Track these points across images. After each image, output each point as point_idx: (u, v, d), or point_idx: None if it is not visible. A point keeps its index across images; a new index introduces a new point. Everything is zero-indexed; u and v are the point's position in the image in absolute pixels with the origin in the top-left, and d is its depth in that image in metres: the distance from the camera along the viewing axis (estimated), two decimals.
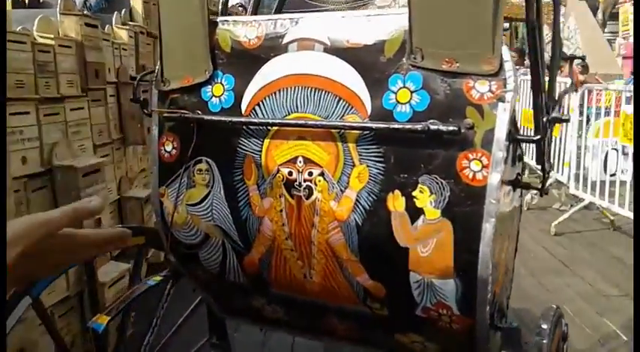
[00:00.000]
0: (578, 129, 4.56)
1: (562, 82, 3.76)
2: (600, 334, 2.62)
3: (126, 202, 2.65)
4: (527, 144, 2.12)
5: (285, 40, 1.04)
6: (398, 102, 0.95)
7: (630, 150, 4.00)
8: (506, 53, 0.87)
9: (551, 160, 4.58)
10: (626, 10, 9.44)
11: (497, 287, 1.01)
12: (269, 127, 1.05)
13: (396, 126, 0.93)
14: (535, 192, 1.12)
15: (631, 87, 4.32)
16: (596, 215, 4.53)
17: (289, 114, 1.04)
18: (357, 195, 0.99)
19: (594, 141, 4.59)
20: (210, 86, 1.11)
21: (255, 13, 1.56)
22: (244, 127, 1.07)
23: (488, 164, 0.88)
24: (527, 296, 2.85)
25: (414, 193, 0.94)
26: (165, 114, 1.14)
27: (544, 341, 1.06)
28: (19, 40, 1.90)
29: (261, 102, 1.06)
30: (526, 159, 3.03)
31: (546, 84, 1.09)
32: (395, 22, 0.96)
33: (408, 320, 1.04)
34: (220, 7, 1.32)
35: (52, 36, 2.12)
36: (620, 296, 3.00)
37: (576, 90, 4.30)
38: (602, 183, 4.20)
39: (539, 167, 1.13)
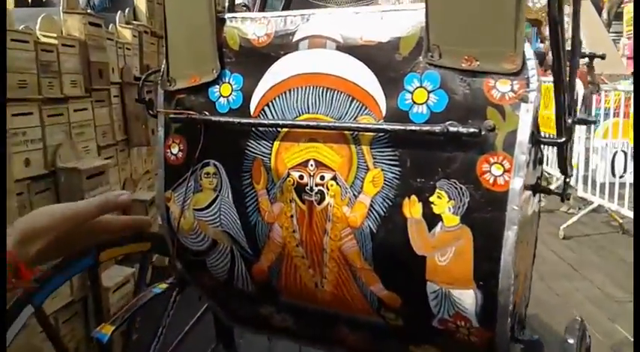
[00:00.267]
0: (586, 130, 4.51)
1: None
2: (613, 341, 2.57)
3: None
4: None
5: (296, 38, 1.00)
6: (414, 102, 0.90)
7: None
8: (529, 51, 0.82)
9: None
10: (630, 10, 9.37)
11: (517, 297, 0.97)
12: (279, 129, 1.01)
13: (413, 127, 0.89)
14: (543, 194, 1.07)
15: None
16: (605, 218, 4.49)
17: (300, 115, 1.00)
18: (372, 201, 0.95)
19: (602, 142, 4.54)
20: (217, 86, 1.07)
21: (262, 10, 1.52)
22: (253, 129, 1.03)
23: (510, 168, 0.84)
24: (537, 301, 2.80)
25: (431, 199, 0.90)
26: (172, 116, 1.10)
27: None
28: (22, 39, 1.87)
29: (270, 103, 1.02)
30: None
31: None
32: (411, 18, 0.91)
33: (423, 331, 1.00)
34: (227, 3, 1.28)
35: (55, 35, 2.09)
36: (631, 302, 2.95)
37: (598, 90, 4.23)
38: (612, 185, 4.15)
39: (548, 171, 1.09)
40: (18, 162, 1.84)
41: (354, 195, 0.96)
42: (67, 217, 0.64)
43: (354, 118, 0.95)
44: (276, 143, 1.02)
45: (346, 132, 0.96)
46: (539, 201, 1.12)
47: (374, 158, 0.94)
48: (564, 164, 1.05)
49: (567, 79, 0.97)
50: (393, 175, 0.93)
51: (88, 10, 2.61)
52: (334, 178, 0.97)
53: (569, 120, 0.91)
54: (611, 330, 2.66)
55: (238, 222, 1.07)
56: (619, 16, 10.05)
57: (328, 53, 0.97)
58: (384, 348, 1.12)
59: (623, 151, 4.35)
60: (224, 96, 1.06)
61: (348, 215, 0.97)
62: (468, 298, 0.91)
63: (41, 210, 0.64)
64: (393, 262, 0.96)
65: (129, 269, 2.28)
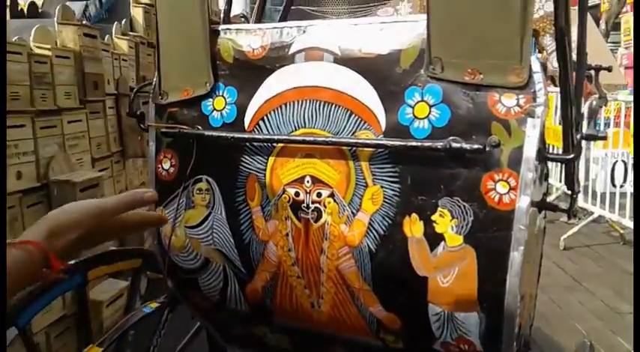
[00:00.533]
0: None
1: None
2: None
3: None
4: None
5: (292, 50, 0.97)
6: (415, 117, 0.87)
7: None
8: (536, 63, 0.79)
9: (561, 174, 4.52)
10: (628, 20, 9.39)
11: (522, 319, 0.93)
12: (274, 144, 0.98)
13: (414, 143, 0.85)
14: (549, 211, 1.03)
15: None
16: (606, 228, 4.45)
17: (296, 129, 0.96)
18: (371, 219, 0.91)
19: (602, 152, 4.52)
20: (211, 99, 1.04)
21: (258, 21, 1.49)
22: (247, 144, 1.00)
23: (516, 186, 0.80)
24: (539, 314, 2.73)
25: (433, 217, 0.86)
26: (163, 130, 1.07)
27: None
28: (15, 50, 1.85)
29: (265, 117, 0.98)
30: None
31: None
32: (412, 29, 0.88)
33: None
34: (222, 15, 1.25)
35: (49, 46, 2.06)
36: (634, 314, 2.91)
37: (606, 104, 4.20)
38: (612, 195, 4.12)
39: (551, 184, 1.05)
40: (10, 175, 1.81)
41: (352, 212, 0.93)
42: (95, 214, 0.65)
43: (353, 133, 0.92)
44: (271, 158, 0.98)
45: (344, 147, 0.92)
46: (545, 217, 1.09)
47: (373, 174, 0.91)
48: (571, 180, 1.02)
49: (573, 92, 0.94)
50: (393, 192, 0.89)
51: (84, 21, 2.58)
52: (331, 195, 0.94)
53: (578, 136, 0.87)
54: (614, 344, 2.61)
55: (231, 239, 1.03)
56: (617, 27, 10.08)
57: (325, 66, 0.94)
58: None
59: (623, 161, 4.32)
60: (217, 110, 1.03)
61: (346, 233, 0.93)
62: (472, 321, 0.87)
63: (70, 205, 0.66)
64: (393, 283, 0.92)
65: (123, 283, 2.24)
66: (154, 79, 1.08)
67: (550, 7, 4.44)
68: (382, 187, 0.90)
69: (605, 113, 4.29)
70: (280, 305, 1.04)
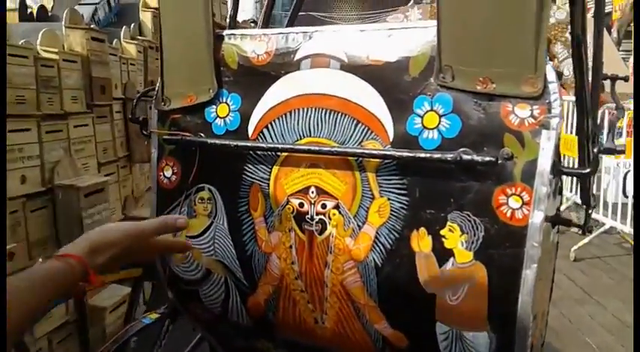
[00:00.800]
0: None
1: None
2: None
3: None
4: None
5: (298, 56, 0.94)
6: (424, 127, 0.84)
7: None
8: (551, 72, 0.76)
9: (572, 183, 4.45)
10: None
11: (534, 338, 0.89)
12: (278, 153, 0.95)
13: (423, 154, 0.82)
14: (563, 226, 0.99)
15: None
16: (617, 239, 4.38)
17: (301, 138, 0.93)
18: (377, 232, 0.88)
19: (613, 162, 4.45)
20: (214, 106, 1.01)
21: (265, 27, 1.47)
22: (251, 152, 0.97)
23: (529, 201, 0.77)
24: (549, 329, 2.68)
25: (442, 232, 0.83)
26: (165, 137, 1.04)
27: None
28: (21, 54, 1.83)
29: (269, 125, 0.96)
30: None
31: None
32: (421, 36, 0.85)
33: None
34: (228, 20, 1.23)
35: (56, 50, 2.05)
36: None
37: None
38: (624, 206, 4.05)
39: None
40: (13, 179, 1.79)
41: (357, 225, 0.89)
42: (132, 234, 0.70)
43: (359, 143, 0.89)
44: (275, 168, 0.96)
45: (350, 157, 0.89)
46: (558, 231, 1.05)
47: (380, 186, 0.87)
48: (587, 194, 0.98)
49: (590, 102, 0.90)
50: (401, 205, 0.86)
51: (93, 25, 2.58)
52: (337, 207, 0.91)
53: (595, 150, 0.83)
54: None
55: (233, 251, 1.00)
56: (628, 35, 9.99)
57: (332, 73, 0.91)
58: None
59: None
60: (221, 117, 1.00)
61: (351, 247, 0.90)
62: (481, 341, 0.83)
63: (110, 226, 0.72)
64: (399, 299, 0.88)
65: (126, 289, 2.21)
66: (157, 85, 1.06)
67: (561, 14, 4.40)
68: (389, 199, 0.86)
69: (618, 123, 4.22)
70: (283, 319, 1.00)
